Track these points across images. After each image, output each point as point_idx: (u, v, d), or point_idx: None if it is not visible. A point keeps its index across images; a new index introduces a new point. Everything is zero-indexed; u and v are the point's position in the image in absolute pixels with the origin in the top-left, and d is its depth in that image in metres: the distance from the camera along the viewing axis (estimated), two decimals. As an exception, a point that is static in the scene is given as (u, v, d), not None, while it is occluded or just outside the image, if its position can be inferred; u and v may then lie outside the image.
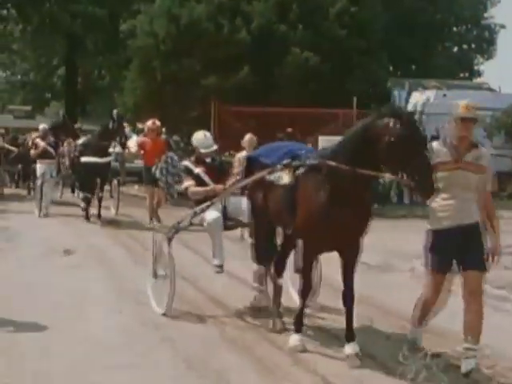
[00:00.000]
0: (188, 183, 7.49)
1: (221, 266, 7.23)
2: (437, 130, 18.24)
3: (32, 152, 15.92)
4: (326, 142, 16.02)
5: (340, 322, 6.42)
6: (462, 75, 32.31)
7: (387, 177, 5.83)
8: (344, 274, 5.93)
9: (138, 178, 23.47)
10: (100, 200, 14.28)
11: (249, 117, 19.04)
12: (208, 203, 7.03)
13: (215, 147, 7.72)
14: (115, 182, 15.72)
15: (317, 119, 17.78)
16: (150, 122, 13.68)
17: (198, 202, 7.24)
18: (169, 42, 19.58)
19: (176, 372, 5.44)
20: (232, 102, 18.02)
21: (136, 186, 21.85)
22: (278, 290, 6.79)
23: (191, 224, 7.29)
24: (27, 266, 9.39)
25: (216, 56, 18.73)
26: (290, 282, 7.36)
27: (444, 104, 19.16)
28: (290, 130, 16.48)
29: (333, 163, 5.69)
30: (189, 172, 7.53)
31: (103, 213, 14.40)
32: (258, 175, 6.62)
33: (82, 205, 14.56)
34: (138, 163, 21.06)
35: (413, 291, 6.09)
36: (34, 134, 16.82)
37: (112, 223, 14.12)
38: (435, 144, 5.57)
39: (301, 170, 6.08)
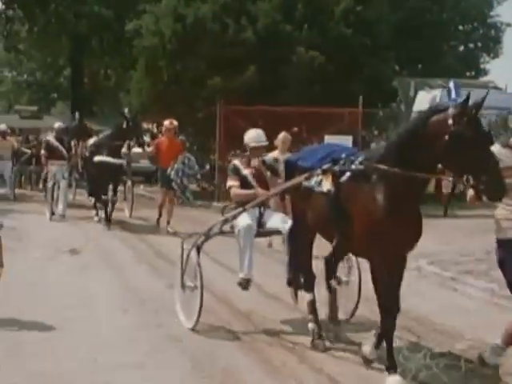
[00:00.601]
0: (232, 183, 7.13)
1: (247, 281, 6.62)
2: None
3: (42, 153, 15.49)
4: (332, 141, 16.04)
5: (346, 321, 6.45)
6: (468, 74, 32.21)
7: (447, 179, 5.47)
8: (375, 282, 5.37)
9: (145, 177, 23.60)
10: (114, 203, 13.69)
11: (254, 117, 19.01)
12: (240, 209, 6.65)
13: (266, 143, 7.36)
14: (129, 183, 15.14)
15: (322, 118, 17.75)
16: (167, 122, 13.26)
17: (241, 204, 6.80)
18: (175, 42, 19.58)
19: (183, 371, 5.45)
20: (238, 101, 18.01)
21: (141, 186, 21.91)
22: (332, 304, 6.32)
23: (222, 232, 6.86)
24: (35, 266, 9.43)
25: (221, 56, 18.72)
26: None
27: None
28: (295, 129, 16.49)
29: (384, 167, 5.09)
30: (236, 172, 7.17)
31: (117, 215, 13.99)
32: (294, 181, 6.15)
33: (94, 211, 14.15)
34: (145, 163, 21.15)
35: (418, 290, 6.08)
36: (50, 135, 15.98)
37: (120, 224, 13.84)
38: (495, 147, 5.01)
39: (345, 177, 5.47)
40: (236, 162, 7.36)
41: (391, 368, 5.14)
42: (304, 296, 6.39)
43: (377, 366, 5.52)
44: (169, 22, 19.73)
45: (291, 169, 6.37)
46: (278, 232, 6.87)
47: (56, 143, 14.88)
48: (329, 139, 16.34)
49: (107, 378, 5.25)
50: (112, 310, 7.22)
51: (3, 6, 34.15)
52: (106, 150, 13.38)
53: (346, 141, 16.48)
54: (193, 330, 6.38)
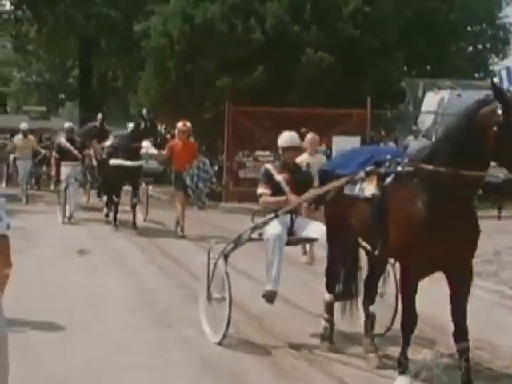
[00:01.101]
0: (263, 190, 6.69)
1: (273, 294, 6.18)
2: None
3: (54, 155, 15.31)
4: (339, 141, 16.06)
5: (355, 323, 6.42)
6: (476, 75, 32.16)
7: (498, 176, 5.05)
8: (453, 304, 5.00)
9: (153, 178, 23.59)
10: (134, 207, 13.36)
11: (263, 117, 19.05)
12: (271, 216, 6.25)
13: (300, 144, 6.99)
14: (143, 185, 14.63)
15: (331, 119, 17.75)
16: (180, 124, 12.78)
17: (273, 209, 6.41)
18: (183, 43, 19.60)
19: (192, 372, 5.45)
20: (246, 102, 18.02)
21: (150, 187, 21.90)
22: (370, 320, 5.92)
23: (251, 239, 6.43)
24: (45, 267, 9.45)
25: (230, 56, 18.74)
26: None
27: (459, 104, 19.16)
28: (304, 130, 16.48)
29: (429, 167, 4.77)
30: (269, 177, 6.72)
31: (126, 217, 13.60)
32: (333, 184, 5.71)
33: (105, 210, 13.97)
34: (153, 163, 21.15)
35: (422, 291, 5.95)
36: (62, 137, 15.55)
37: (128, 224, 13.51)
38: None
39: (389, 179, 5.16)
40: (268, 166, 6.95)
41: (401, 370, 5.04)
42: (324, 296, 6.16)
43: (388, 367, 5.50)
44: (177, 22, 19.75)
45: (328, 178, 5.95)
46: (310, 240, 6.59)
47: (68, 145, 14.68)
48: (336, 140, 16.36)
49: (116, 379, 5.26)
50: (121, 311, 7.22)
51: (12, 7, 34.25)
52: (123, 152, 12.98)
53: (354, 142, 16.50)
54: (219, 344, 6.04)
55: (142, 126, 12.81)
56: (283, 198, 6.48)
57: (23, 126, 19.13)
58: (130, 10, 30.89)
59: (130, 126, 18.61)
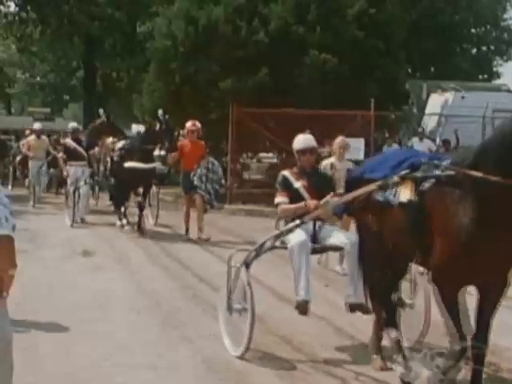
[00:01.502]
0: (281, 199, 6.33)
1: (305, 303, 5.81)
2: (455, 131, 18.22)
3: (60, 155, 15.12)
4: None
5: (358, 324, 6.42)
6: (480, 77, 32.17)
7: None
8: (479, 315, 4.69)
9: (158, 180, 23.58)
10: (142, 209, 12.91)
11: (267, 119, 19.05)
12: (298, 222, 5.89)
13: (315, 145, 6.59)
14: (154, 188, 14.20)
15: (335, 121, 17.75)
16: (189, 124, 12.47)
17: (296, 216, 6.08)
18: (187, 44, 19.62)
19: (197, 373, 5.46)
20: (250, 103, 18.03)
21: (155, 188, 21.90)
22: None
23: (274, 247, 6.10)
24: (50, 268, 9.47)
25: (234, 58, 18.75)
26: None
27: (463, 106, 19.18)
28: (308, 131, 16.47)
29: (478, 174, 4.28)
30: (287, 184, 6.39)
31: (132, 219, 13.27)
32: (363, 189, 5.27)
33: (123, 221, 13.14)
34: (157, 164, 21.14)
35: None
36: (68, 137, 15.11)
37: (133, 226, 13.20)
38: None
39: (427, 184, 4.71)
40: (286, 173, 6.53)
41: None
42: (387, 332, 5.54)
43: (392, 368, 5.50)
44: (181, 24, 19.76)
45: (356, 184, 5.53)
46: (336, 248, 6.25)
47: (73, 144, 14.48)
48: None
49: (121, 379, 5.26)
50: (126, 312, 7.23)
51: (16, 9, 34.34)
52: (137, 155, 12.59)
53: (358, 143, 16.50)
54: (240, 358, 5.72)
55: (157, 127, 12.46)
56: (302, 203, 6.14)
57: (37, 126, 19.04)
58: (134, 11, 30.96)
59: (134, 127, 18.66)
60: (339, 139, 10.11)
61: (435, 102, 21.08)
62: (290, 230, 5.90)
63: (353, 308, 5.85)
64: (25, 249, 9.86)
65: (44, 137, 19.17)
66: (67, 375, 5.30)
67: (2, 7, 33.58)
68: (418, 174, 4.80)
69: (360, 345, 6.12)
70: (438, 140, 19.32)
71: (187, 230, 12.34)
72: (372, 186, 5.12)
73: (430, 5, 28.51)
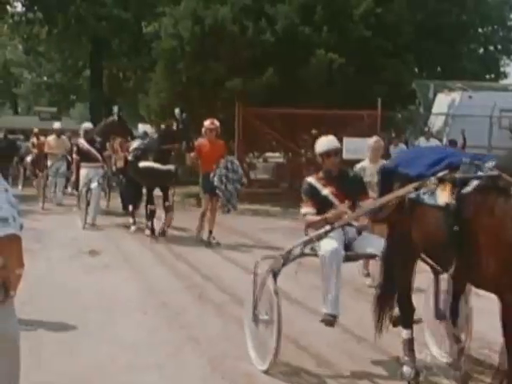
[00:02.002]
0: (307, 210, 6.03)
1: (333, 318, 5.52)
2: (462, 131, 18.17)
3: (74, 157, 14.61)
4: (350, 143, 16.02)
5: (364, 324, 6.40)
6: (487, 77, 32.09)
7: None
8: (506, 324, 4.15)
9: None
10: (168, 211, 12.46)
11: (273, 119, 19.06)
12: (328, 228, 5.47)
13: (339, 145, 6.30)
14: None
15: (341, 120, 17.75)
16: (207, 122, 11.87)
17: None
18: (193, 44, 19.63)
19: (202, 373, 5.45)
20: (257, 103, 18.04)
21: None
22: (460, 349, 5.13)
23: (303, 254, 5.71)
24: (56, 267, 9.49)
25: (240, 58, 18.76)
26: (429, 331, 5.79)
27: (470, 106, 19.13)
28: (314, 131, 16.47)
29: None
30: (314, 193, 6.07)
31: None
32: (399, 192, 4.85)
33: (134, 214, 13.05)
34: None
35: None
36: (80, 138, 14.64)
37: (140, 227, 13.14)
38: None
39: (469, 187, 4.27)
40: (311, 179, 6.18)
41: None
42: (401, 332, 5.32)
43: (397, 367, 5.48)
44: (188, 24, 19.77)
45: (389, 178, 5.14)
46: (370, 256, 5.95)
47: (86, 146, 14.00)
48: (347, 141, 16.31)
49: (126, 379, 5.26)
50: (132, 312, 7.23)
51: (23, 9, 34.46)
52: (153, 155, 12.23)
53: (365, 143, 16.42)
54: (266, 372, 5.41)
55: (174, 127, 12.11)
56: (330, 213, 5.80)
57: (57, 125, 18.92)
58: (141, 11, 31.00)
59: (140, 126, 18.65)
60: (372, 140, 9.32)
61: (442, 102, 21.03)
62: (321, 236, 5.52)
63: (394, 324, 5.48)
64: (32, 248, 9.89)
65: (64, 136, 18.89)
66: (74, 375, 5.30)
67: (9, 7, 33.70)
68: (458, 176, 4.39)
69: (389, 359, 5.76)
70: (444, 140, 19.26)
71: (200, 230, 12.06)
72: (408, 188, 4.73)
73: (437, 5, 28.45)
